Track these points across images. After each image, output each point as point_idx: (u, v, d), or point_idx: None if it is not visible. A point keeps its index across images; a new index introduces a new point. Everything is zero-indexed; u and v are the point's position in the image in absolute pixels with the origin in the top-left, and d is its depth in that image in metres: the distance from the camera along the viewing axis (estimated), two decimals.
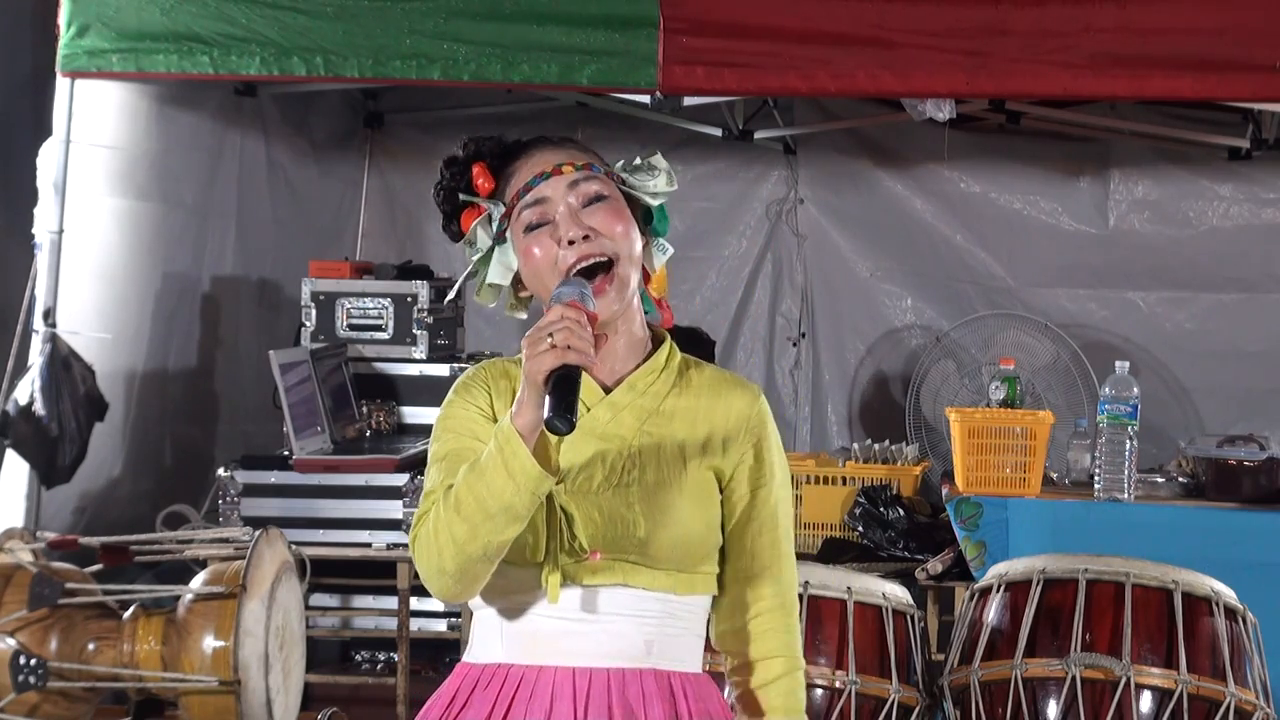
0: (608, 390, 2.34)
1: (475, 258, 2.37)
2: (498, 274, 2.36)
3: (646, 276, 2.40)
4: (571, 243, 2.28)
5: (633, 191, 2.36)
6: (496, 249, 2.36)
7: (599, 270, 2.29)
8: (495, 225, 2.35)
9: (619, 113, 6.17)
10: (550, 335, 2.13)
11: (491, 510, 2.16)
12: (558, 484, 2.23)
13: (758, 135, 6.73)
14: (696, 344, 6.14)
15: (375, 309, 5.73)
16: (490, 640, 2.32)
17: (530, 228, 2.31)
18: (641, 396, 2.34)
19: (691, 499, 2.30)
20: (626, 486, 2.28)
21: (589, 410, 2.31)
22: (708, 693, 2.35)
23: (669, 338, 2.40)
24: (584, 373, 2.15)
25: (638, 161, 2.39)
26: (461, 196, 2.38)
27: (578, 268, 2.28)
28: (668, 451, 2.32)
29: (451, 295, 2.47)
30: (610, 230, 2.29)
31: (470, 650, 2.36)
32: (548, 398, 2.12)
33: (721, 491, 2.37)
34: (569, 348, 2.12)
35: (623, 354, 2.35)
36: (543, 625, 2.28)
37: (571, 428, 2.11)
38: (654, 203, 2.37)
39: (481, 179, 2.36)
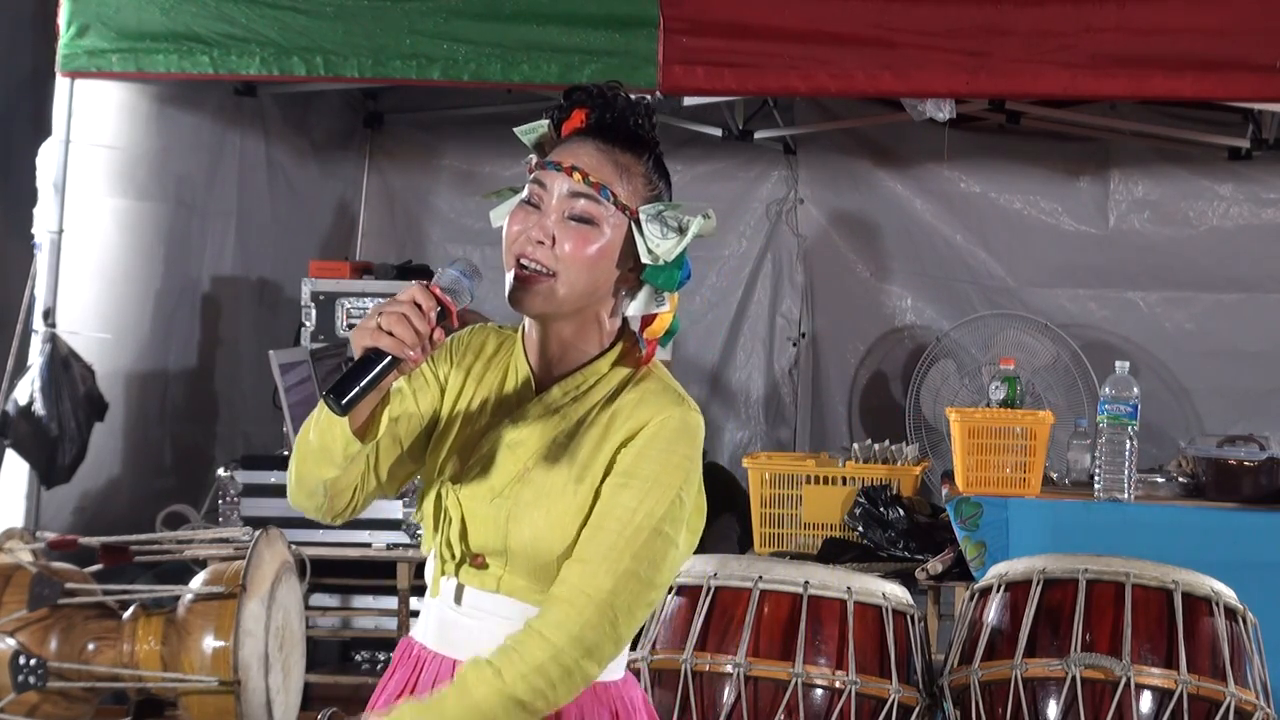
0: (543, 391, 2.28)
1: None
2: (500, 214, 2.27)
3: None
4: (528, 240, 2.21)
5: (638, 237, 2.22)
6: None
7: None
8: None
9: None
10: (381, 314, 2.10)
11: (314, 448, 2.22)
12: (453, 483, 2.26)
13: (758, 135, 6.73)
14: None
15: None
16: (421, 618, 2.40)
17: (524, 200, 2.24)
18: (567, 403, 2.25)
19: (559, 519, 2.21)
20: (512, 496, 2.23)
21: (522, 410, 2.26)
22: (587, 700, 2.25)
23: (621, 346, 2.29)
24: (403, 362, 2.10)
25: (670, 212, 2.23)
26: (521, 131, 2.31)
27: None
28: (561, 465, 2.22)
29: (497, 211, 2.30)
30: (573, 253, 2.19)
31: (414, 625, 2.43)
32: (344, 369, 2.11)
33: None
34: (391, 334, 2.09)
35: (555, 358, 2.28)
36: (442, 614, 2.33)
37: (340, 410, 2.10)
38: (645, 259, 2.22)
39: (571, 124, 2.27)
